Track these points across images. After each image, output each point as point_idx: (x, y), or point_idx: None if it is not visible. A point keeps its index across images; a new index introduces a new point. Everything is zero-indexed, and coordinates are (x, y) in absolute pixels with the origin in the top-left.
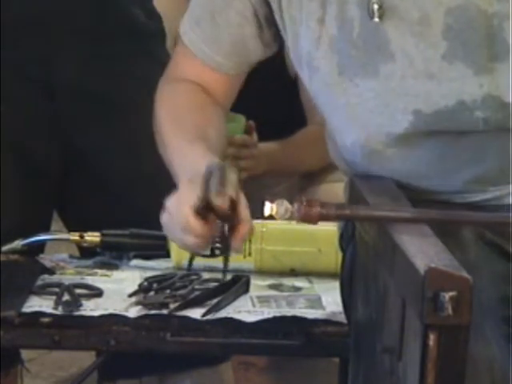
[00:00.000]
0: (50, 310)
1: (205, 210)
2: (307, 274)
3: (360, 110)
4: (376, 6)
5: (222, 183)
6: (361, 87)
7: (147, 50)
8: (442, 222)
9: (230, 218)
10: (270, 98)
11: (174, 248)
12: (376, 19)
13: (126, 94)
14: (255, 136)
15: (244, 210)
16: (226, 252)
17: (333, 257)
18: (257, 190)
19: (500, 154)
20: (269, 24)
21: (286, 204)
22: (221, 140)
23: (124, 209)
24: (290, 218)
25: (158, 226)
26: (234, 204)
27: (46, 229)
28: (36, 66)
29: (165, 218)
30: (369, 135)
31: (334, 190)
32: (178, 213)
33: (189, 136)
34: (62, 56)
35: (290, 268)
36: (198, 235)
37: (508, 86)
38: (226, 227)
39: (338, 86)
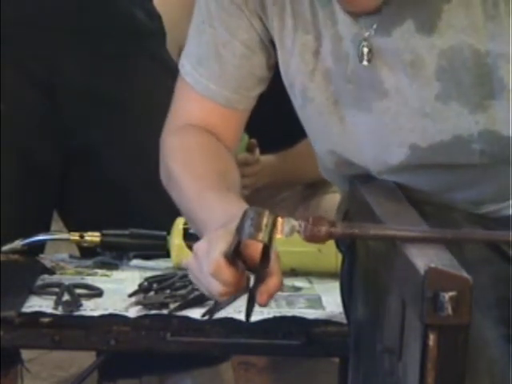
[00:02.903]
0: (50, 310)
1: (235, 257)
2: (307, 273)
3: (355, 140)
4: (366, 50)
5: (257, 228)
6: (356, 118)
7: (147, 49)
8: (455, 242)
9: (260, 268)
10: (270, 108)
11: (174, 248)
12: (365, 63)
13: (126, 94)
14: (257, 153)
15: (275, 262)
16: (250, 305)
17: (333, 257)
18: (258, 200)
19: (496, 180)
20: (274, 49)
21: (292, 222)
22: (239, 185)
23: (124, 209)
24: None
25: (158, 226)
26: (265, 252)
27: (46, 229)
28: (36, 65)
29: (191, 262)
30: (364, 163)
31: (338, 200)
32: (208, 258)
33: (212, 185)
34: (63, 56)
35: (290, 268)
36: (228, 283)
37: (505, 121)
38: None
39: (334, 115)
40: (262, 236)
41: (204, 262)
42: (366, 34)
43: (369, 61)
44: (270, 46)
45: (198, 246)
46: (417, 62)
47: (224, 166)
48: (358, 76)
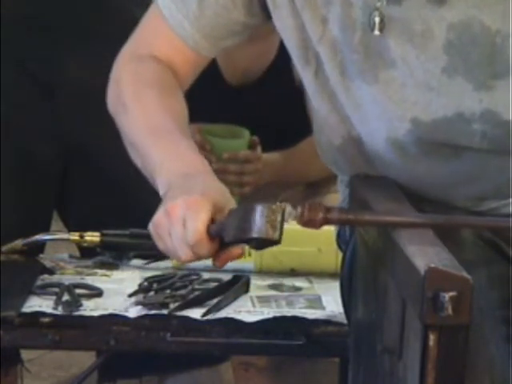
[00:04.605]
0: (50, 310)
1: (215, 232)
2: (307, 273)
3: (361, 111)
4: (378, 19)
5: (273, 226)
6: (361, 90)
7: None
8: (447, 227)
9: (235, 243)
10: (274, 106)
11: None
12: (376, 32)
13: None
14: (259, 150)
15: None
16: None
17: (333, 257)
18: (259, 198)
19: (497, 174)
20: (260, 8)
21: (288, 208)
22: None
23: (124, 209)
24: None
25: None
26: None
27: (46, 229)
28: (36, 65)
29: (161, 220)
30: (369, 136)
31: (339, 200)
32: (190, 227)
33: (170, 126)
34: (62, 56)
35: (290, 268)
36: (202, 255)
37: (507, 103)
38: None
39: (340, 85)
40: (277, 234)
41: (179, 227)
42: (378, 4)
43: (380, 30)
44: (257, 7)
45: (173, 206)
46: (426, 33)
47: (180, 107)
48: (364, 45)
